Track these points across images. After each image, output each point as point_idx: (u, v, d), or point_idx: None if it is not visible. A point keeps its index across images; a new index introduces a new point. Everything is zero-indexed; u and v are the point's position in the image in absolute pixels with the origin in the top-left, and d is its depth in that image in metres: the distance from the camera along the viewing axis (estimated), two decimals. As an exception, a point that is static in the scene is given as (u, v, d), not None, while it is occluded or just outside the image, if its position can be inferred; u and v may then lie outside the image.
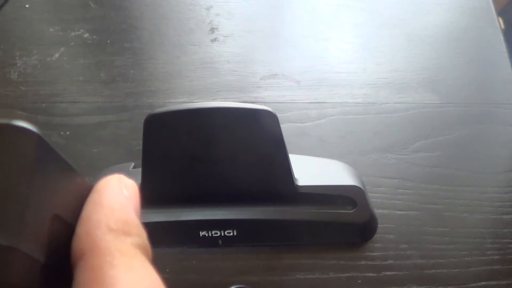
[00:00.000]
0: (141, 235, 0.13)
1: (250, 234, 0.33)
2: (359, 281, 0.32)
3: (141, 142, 0.29)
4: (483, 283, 0.33)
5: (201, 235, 0.32)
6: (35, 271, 0.11)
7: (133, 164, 0.36)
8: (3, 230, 0.11)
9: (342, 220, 0.32)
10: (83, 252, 0.12)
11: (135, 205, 0.14)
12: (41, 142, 0.12)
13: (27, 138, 0.12)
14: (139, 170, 0.30)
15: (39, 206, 0.12)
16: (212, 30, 0.53)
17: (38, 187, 0.12)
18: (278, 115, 0.28)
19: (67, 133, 0.42)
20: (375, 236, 0.35)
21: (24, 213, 0.11)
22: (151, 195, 0.27)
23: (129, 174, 0.15)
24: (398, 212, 0.36)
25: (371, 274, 0.33)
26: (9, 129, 0.11)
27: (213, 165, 0.30)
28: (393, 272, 0.33)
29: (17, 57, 0.50)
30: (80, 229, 0.13)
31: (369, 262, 0.33)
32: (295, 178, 0.31)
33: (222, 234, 0.32)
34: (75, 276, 0.12)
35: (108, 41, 0.52)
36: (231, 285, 0.32)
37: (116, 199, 0.14)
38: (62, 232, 0.13)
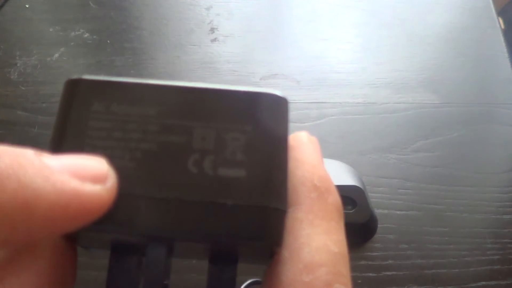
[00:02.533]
0: (337, 193, 0.14)
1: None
2: (359, 281, 0.32)
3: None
4: (483, 283, 0.33)
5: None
6: (286, 229, 0.12)
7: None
8: (281, 197, 0.12)
9: (342, 220, 0.32)
10: (288, 205, 0.13)
11: (323, 161, 0.15)
12: (288, 109, 0.13)
13: (282, 105, 0.13)
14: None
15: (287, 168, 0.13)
16: (212, 30, 0.53)
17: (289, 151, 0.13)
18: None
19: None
20: (375, 236, 0.35)
21: (286, 177, 0.12)
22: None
23: None
24: (398, 212, 0.36)
25: (371, 274, 0.33)
26: (267, 98, 0.13)
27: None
28: (393, 272, 0.33)
29: (17, 57, 0.50)
30: None
31: (369, 262, 0.33)
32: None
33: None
34: None
35: (108, 41, 0.52)
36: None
37: (313, 156, 0.14)
38: None
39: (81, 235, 0.13)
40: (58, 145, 0.12)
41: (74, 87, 0.13)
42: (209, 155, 0.12)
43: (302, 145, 0.15)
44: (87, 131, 0.12)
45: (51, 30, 0.53)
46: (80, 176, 0.11)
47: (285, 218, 0.12)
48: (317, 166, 0.14)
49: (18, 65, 0.49)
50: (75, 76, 0.13)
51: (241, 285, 0.31)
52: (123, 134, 0.12)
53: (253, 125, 0.12)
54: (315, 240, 0.12)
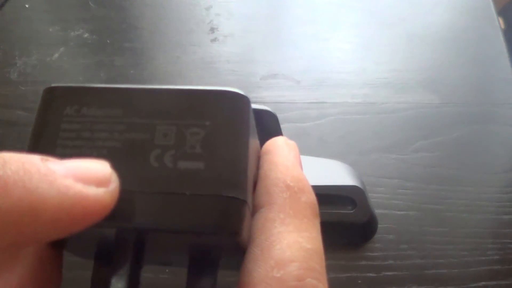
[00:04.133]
0: (311, 192, 0.14)
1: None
2: (359, 281, 0.32)
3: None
4: (483, 283, 0.33)
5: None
6: (248, 220, 0.13)
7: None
8: (239, 186, 0.12)
9: (342, 220, 0.32)
10: (260, 205, 0.13)
11: (300, 163, 0.15)
12: (250, 106, 0.14)
13: (242, 102, 0.14)
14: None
15: (250, 163, 0.13)
16: (212, 30, 0.53)
17: (249, 145, 0.13)
18: (278, 115, 0.28)
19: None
20: (375, 236, 0.35)
21: (247, 169, 0.13)
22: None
23: None
24: (398, 212, 0.36)
25: (371, 274, 0.33)
26: (226, 95, 0.14)
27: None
28: (393, 272, 0.33)
29: (17, 57, 0.50)
30: (260, 185, 0.14)
31: (369, 262, 0.33)
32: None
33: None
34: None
35: (108, 41, 0.52)
36: (230, 286, 0.32)
37: (287, 158, 0.15)
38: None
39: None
40: (35, 146, 0.13)
41: (50, 94, 0.14)
42: (170, 150, 0.13)
43: (277, 148, 0.15)
44: (59, 133, 0.13)
45: (51, 30, 0.53)
46: (84, 179, 0.11)
47: (244, 208, 0.12)
48: (291, 167, 0.14)
49: (18, 65, 0.49)
50: (52, 85, 0.14)
51: None
52: (91, 134, 0.13)
53: (212, 120, 0.13)
54: (286, 238, 0.13)
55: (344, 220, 0.32)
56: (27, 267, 0.13)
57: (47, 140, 0.13)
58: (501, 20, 0.55)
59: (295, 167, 0.14)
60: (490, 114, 0.44)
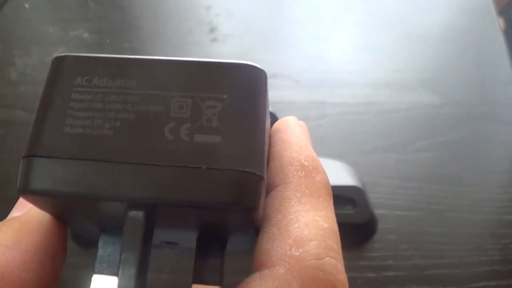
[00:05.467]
0: (325, 172, 0.14)
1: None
2: (359, 282, 0.32)
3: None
4: (484, 283, 0.33)
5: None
6: (264, 197, 0.13)
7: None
8: (256, 162, 0.12)
9: (342, 220, 0.32)
10: (276, 184, 0.13)
11: (310, 143, 0.15)
12: (266, 80, 0.14)
13: (259, 76, 0.14)
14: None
15: (266, 139, 0.13)
16: (212, 30, 0.53)
17: (266, 121, 0.13)
18: (278, 115, 0.28)
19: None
20: (375, 236, 0.34)
21: (264, 145, 0.13)
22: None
23: None
24: (398, 212, 0.36)
25: (371, 275, 0.33)
26: (244, 68, 0.14)
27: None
28: (393, 273, 0.33)
29: (16, 57, 0.50)
30: (274, 164, 0.14)
31: (369, 263, 0.33)
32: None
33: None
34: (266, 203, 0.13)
35: (108, 41, 0.52)
36: (230, 286, 0.32)
37: (301, 137, 0.15)
38: None
39: (69, 212, 0.13)
40: (43, 116, 0.13)
41: (59, 64, 0.14)
42: (185, 123, 0.12)
43: (290, 127, 0.15)
44: (69, 103, 0.13)
45: (50, 30, 0.53)
46: None
47: (261, 183, 0.12)
48: (304, 146, 0.14)
49: (17, 65, 0.49)
50: (61, 54, 0.14)
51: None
52: (103, 105, 0.13)
53: (229, 93, 0.13)
54: (304, 216, 0.12)
55: (344, 220, 0.32)
56: (31, 242, 0.13)
57: (56, 110, 0.13)
58: (501, 20, 0.55)
59: (308, 147, 0.14)
60: (491, 114, 0.44)
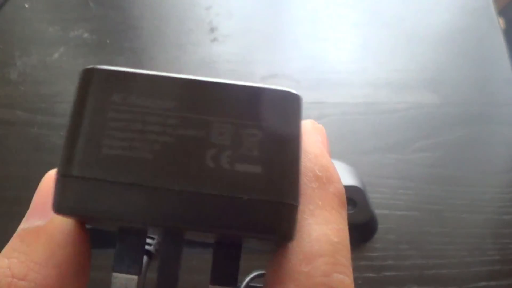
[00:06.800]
0: (339, 181, 0.14)
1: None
2: (359, 282, 0.32)
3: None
4: (484, 283, 0.33)
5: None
6: (297, 221, 0.13)
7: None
8: (293, 192, 0.12)
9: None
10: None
11: (328, 148, 0.15)
12: (302, 106, 0.14)
13: (296, 103, 0.13)
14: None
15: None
16: (212, 30, 0.53)
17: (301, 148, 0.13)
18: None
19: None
20: (375, 236, 0.35)
21: (299, 173, 0.13)
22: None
23: None
24: (398, 212, 0.36)
25: (371, 275, 0.33)
26: (282, 95, 0.13)
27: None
28: (393, 273, 0.33)
29: (16, 57, 0.50)
30: None
31: (369, 263, 0.33)
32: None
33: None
34: None
35: (108, 41, 0.52)
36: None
37: (316, 144, 0.14)
38: None
39: (102, 226, 0.14)
40: (79, 132, 0.12)
41: (91, 77, 0.13)
42: (226, 150, 0.12)
43: (305, 134, 0.14)
44: (107, 122, 0.12)
45: (50, 30, 0.53)
46: None
47: (297, 212, 0.12)
48: (319, 155, 0.14)
49: (17, 65, 0.49)
50: (90, 66, 0.13)
51: (245, 278, 0.31)
52: (142, 126, 0.12)
53: (268, 121, 0.13)
54: (316, 230, 0.13)
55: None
56: (63, 256, 0.12)
57: (93, 128, 0.12)
58: (501, 20, 0.55)
59: (324, 155, 0.14)
60: (490, 114, 0.44)
